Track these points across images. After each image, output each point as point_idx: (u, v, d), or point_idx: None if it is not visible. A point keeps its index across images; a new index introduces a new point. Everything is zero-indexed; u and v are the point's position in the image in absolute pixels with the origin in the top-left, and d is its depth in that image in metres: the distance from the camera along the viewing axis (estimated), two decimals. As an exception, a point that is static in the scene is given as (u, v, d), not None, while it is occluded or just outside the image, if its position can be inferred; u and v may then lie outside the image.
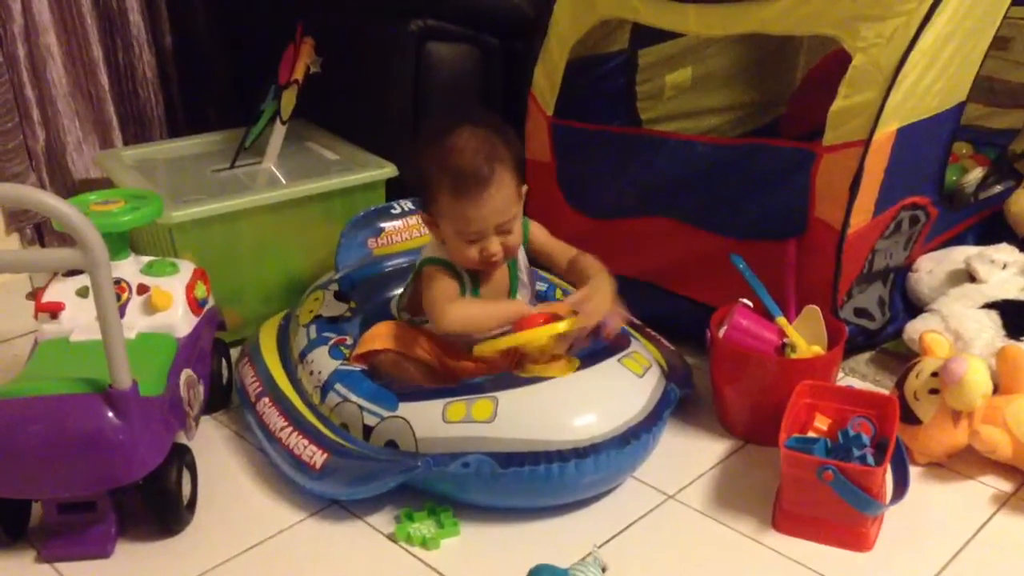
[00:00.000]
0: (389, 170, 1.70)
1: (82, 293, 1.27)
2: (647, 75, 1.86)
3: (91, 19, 1.98)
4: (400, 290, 1.45)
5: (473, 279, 1.30)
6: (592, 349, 1.27)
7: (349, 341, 1.37)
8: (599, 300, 1.24)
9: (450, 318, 1.24)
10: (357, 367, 1.30)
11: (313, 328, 1.40)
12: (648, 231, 1.57)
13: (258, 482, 1.28)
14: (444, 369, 1.32)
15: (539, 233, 1.37)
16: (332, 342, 1.36)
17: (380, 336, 1.32)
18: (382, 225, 1.60)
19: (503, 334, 1.24)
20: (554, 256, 1.37)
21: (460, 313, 1.25)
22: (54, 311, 1.26)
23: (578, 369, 1.22)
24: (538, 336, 1.19)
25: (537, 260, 1.39)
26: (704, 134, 1.96)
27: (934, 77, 1.35)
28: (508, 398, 1.16)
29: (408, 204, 1.63)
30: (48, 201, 1.00)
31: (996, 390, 1.26)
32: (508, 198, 1.23)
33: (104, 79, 2.02)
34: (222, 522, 1.20)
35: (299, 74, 1.70)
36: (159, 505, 1.16)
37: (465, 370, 1.32)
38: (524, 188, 1.28)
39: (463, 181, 1.20)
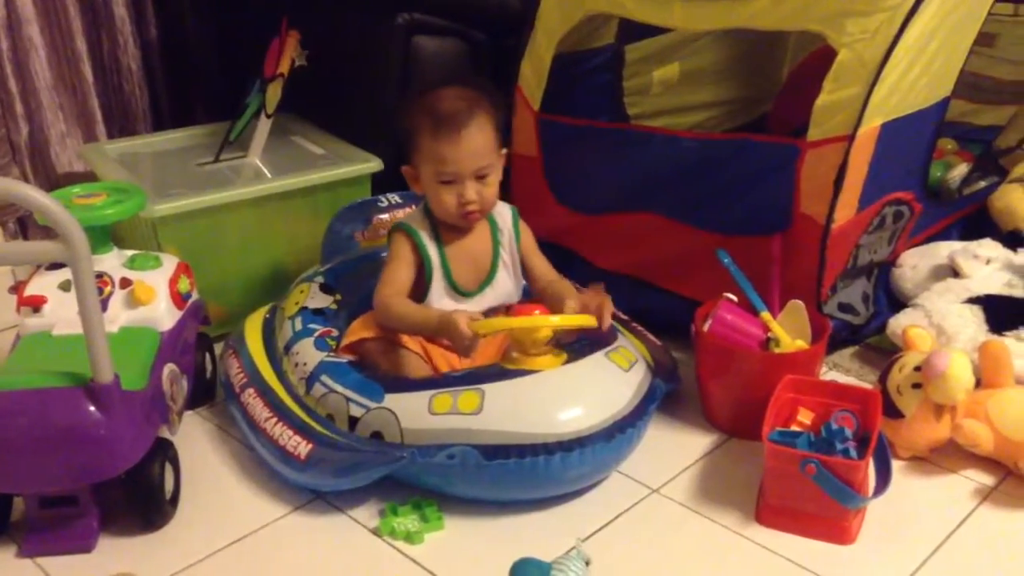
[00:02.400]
0: (375, 164, 1.70)
1: (65, 287, 1.27)
2: (634, 70, 1.86)
3: (75, 11, 1.97)
4: None
5: (439, 245, 1.32)
6: (579, 343, 1.27)
7: (335, 333, 1.36)
8: (607, 305, 1.25)
9: (376, 308, 1.30)
10: (343, 358, 1.30)
11: (299, 319, 1.40)
12: (634, 226, 1.57)
13: (241, 477, 1.27)
14: (430, 357, 1.32)
15: (527, 236, 1.39)
16: (318, 333, 1.36)
17: (368, 325, 1.33)
18: (369, 218, 1.60)
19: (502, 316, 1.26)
20: (535, 270, 1.38)
21: (380, 311, 1.29)
22: (36, 305, 1.25)
23: (565, 363, 1.21)
24: (535, 323, 1.19)
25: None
26: (691, 129, 1.96)
27: (918, 73, 1.35)
28: (495, 390, 1.16)
29: (396, 197, 1.63)
30: (30, 194, 0.99)
31: (978, 384, 1.27)
32: (486, 144, 1.27)
33: (88, 72, 2.01)
34: (205, 517, 1.19)
35: (284, 68, 1.69)
36: (141, 499, 1.15)
37: (450, 358, 1.32)
38: (504, 151, 1.31)
39: (442, 120, 1.25)
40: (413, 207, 1.60)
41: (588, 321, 1.22)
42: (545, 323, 1.19)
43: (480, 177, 1.27)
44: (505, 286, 1.36)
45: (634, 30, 1.71)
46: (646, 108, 1.91)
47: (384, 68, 1.78)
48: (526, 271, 1.39)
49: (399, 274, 1.31)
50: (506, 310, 1.32)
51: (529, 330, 1.19)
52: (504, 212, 1.37)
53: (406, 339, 1.31)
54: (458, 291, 1.33)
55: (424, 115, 1.26)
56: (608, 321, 1.25)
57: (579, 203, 1.65)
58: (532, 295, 1.39)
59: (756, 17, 1.39)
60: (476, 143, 1.26)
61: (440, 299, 1.31)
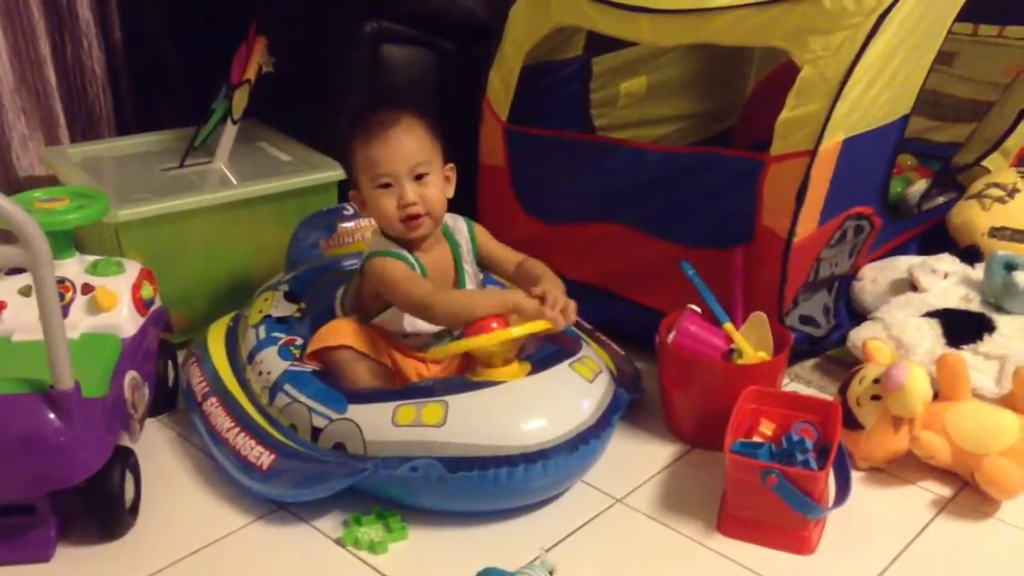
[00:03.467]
0: (341, 172, 1.69)
1: (25, 292, 1.25)
2: (601, 82, 1.87)
3: (39, 13, 1.95)
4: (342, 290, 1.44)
5: (415, 256, 1.30)
6: (543, 353, 1.27)
7: (299, 341, 1.36)
8: (560, 299, 1.24)
9: (440, 307, 1.23)
10: (308, 367, 1.29)
11: (263, 328, 1.39)
12: (600, 237, 1.58)
13: (203, 485, 1.26)
14: (398, 368, 1.32)
15: (483, 235, 1.39)
16: (282, 342, 1.35)
17: (337, 332, 1.32)
18: (334, 226, 1.59)
19: (457, 337, 1.24)
20: (501, 261, 1.39)
21: (448, 302, 1.24)
22: (-5, 310, 1.24)
23: (529, 373, 1.22)
24: (491, 341, 1.19)
25: (484, 265, 1.40)
26: (657, 142, 1.98)
27: (879, 90, 1.37)
28: (458, 402, 1.16)
29: (360, 206, 1.62)
30: (-10, 198, 0.98)
31: (936, 397, 1.29)
32: (418, 143, 1.27)
33: (51, 75, 1.98)
34: (165, 526, 1.18)
35: (251, 73, 1.69)
36: (101, 508, 1.14)
37: (419, 367, 1.32)
38: (450, 165, 1.31)
39: (372, 125, 1.26)
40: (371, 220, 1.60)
41: (543, 326, 1.21)
42: (500, 338, 1.18)
43: (418, 178, 1.26)
44: None
45: (602, 43, 1.73)
46: (613, 120, 1.93)
47: (352, 76, 1.78)
48: (492, 265, 1.39)
49: (415, 277, 1.27)
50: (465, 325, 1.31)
51: (481, 347, 1.19)
52: (459, 225, 1.37)
53: (373, 350, 1.30)
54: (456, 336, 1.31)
55: (355, 129, 1.28)
56: (564, 322, 1.22)
57: (546, 213, 1.66)
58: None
59: (721, 33, 1.41)
60: (407, 140, 1.26)
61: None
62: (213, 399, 1.32)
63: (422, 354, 1.33)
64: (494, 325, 1.20)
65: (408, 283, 1.26)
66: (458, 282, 1.35)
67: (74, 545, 1.14)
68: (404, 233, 1.29)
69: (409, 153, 1.26)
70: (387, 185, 1.26)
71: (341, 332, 1.31)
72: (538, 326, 1.20)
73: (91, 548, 1.14)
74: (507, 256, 1.39)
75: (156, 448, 1.33)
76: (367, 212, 1.32)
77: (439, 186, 1.29)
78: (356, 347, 1.29)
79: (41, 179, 1.94)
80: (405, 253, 1.29)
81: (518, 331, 1.19)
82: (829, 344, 1.57)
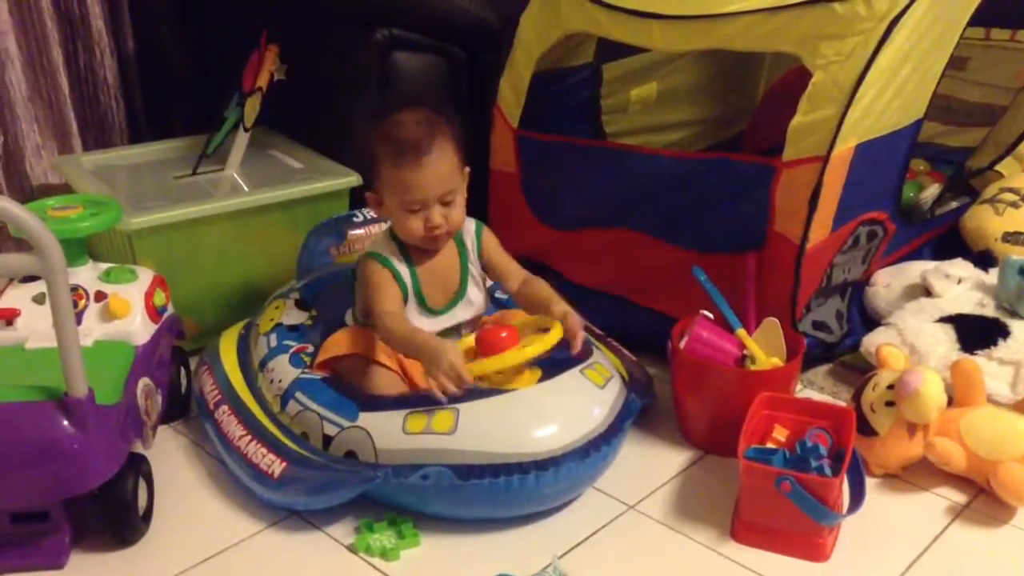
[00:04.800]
0: (353, 179, 1.70)
1: (38, 300, 1.25)
2: (612, 89, 1.87)
3: (52, 22, 1.96)
4: None
5: (410, 266, 1.31)
6: (554, 359, 1.27)
7: (310, 349, 1.36)
8: (576, 320, 1.25)
9: (380, 326, 1.26)
10: (318, 375, 1.29)
11: (274, 336, 1.39)
12: (611, 243, 1.58)
13: (215, 492, 1.26)
14: (406, 372, 1.32)
15: (490, 241, 1.37)
16: (293, 350, 1.35)
17: (342, 341, 1.32)
18: (345, 233, 1.59)
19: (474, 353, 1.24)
20: (504, 273, 1.37)
21: (388, 324, 1.24)
22: (9, 318, 1.24)
23: (540, 380, 1.21)
24: (504, 364, 1.19)
25: (487, 271, 1.38)
26: (668, 148, 1.98)
27: (892, 95, 1.37)
28: (469, 410, 1.16)
29: (370, 212, 1.63)
30: (5, 206, 0.98)
31: (950, 403, 1.28)
32: (449, 169, 1.26)
33: (64, 83, 1.99)
34: (178, 533, 1.18)
35: (263, 81, 1.70)
36: (114, 515, 1.14)
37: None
38: (467, 169, 1.31)
39: (403, 149, 1.24)
40: (381, 225, 1.60)
41: (556, 340, 1.21)
42: (522, 357, 1.19)
43: (446, 203, 1.26)
44: (476, 300, 1.36)
45: (612, 49, 1.73)
46: (624, 126, 1.92)
47: (363, 83, 1.78)
48: (495, 274, 1.38)
49: (392, 297, 1.28)
50: (477, 325, 1.32)
51: (500, 368, 1.19)
52: (469, 227, 1.36)
53: (382, 357, 1.30)
54: (428, 310, 1.32)
55: (385, 143, 1.25)
56: (578, 345, 1.24)
57: (556, 219, 1.66)
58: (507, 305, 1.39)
59: (733, 38, 1.41)
60: (439, 169, 1.24)
61: (412, 319, 1.30)
62: (225, 407, 1.32)
63: None
64: (503, 335, 1.20)
65: (377, 291, 1.28)
66: (461, 284, 1.35)
67: (88, 552, 1.14)
68: (424, 244, 1.29)
69: (440, 180, 1.25)
70: (415, 209, 1.26)
71: (343, 342, 1.32)
72: (552, 341, 1.21)
73: (105, 555, 1.14)
74: (511, 269, 1.37)
75: (169, 455, 1.34)
76: (383, 213, 1.31)
77: (463, 204, 1.30)
78: (361, 354, 1.29)
79: (54, 187, 1.95)
80: (395, 263, 1.30)
81: (532, 350, 1.19)
82: (842, 350, 1.56)
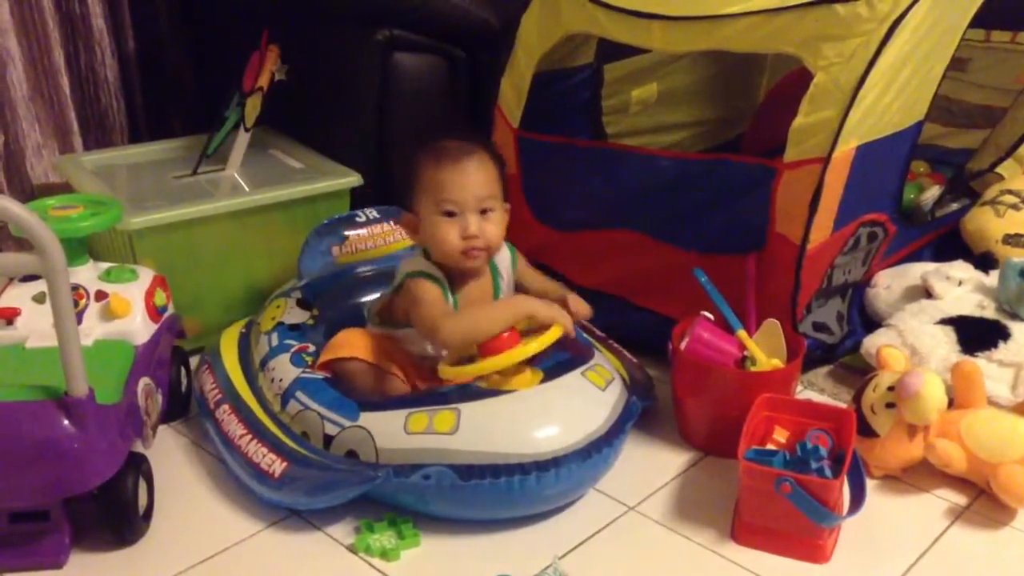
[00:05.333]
0: (354, 179, 1.70)
1: (39, 299, 1.25)
2: (613, 89, 1.87)
3: (53, 22, 1.96)
4: (371, 296, 1.44)
5: (453, 294, 1.29)
6: (555, 361, 1.27)
7: (311, 349, 1.36)
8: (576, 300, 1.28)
9: (447, 331, 1.21)
10: (319, 375, 1.29)
11: (275, 335, 1.39)
12: (612, 243, 1.58)
13: (215, 492, 1.26)
14: (410, 381, 1.31)
15: (524, 265, 1.39)
16: (294, 350, 1.35)
17: (350, 344, 1.32)
18: (346, 233, 1.59)
19: (470, 358, 1.23)
20: (542, 292, 1.36)
21: (457, 326, 1.22)
22: (9, 317, 1.24)
23: (541, 381, 1.22)
24: (506, 362, 1.19)
25: (520, 292, 1.38)
26: (668, 149, 1.98)
27: (893, 96, 1.37)
28: (471, 410, 1.16)
29: (373, 212, 1.63)
30: (6, 205, 0.98)
31: (951, 404, 1.28)
32: (488, 179, 1.26)
33: (65, 83, 1.99)
34: (178, 532, 1.18)
35: (264, 81, 1.69)
36: (114, 515, 1.14)
37: (432, 385, 1.31)
38: (507, 205, 1.30)
39: (446, 151, 1.25)
40: (391, 223, 1.60)
41: (556, 336, 1.21)
42: (515, 359, 1.19)
43: (483, 212, 1.25)
44: None
45: (613, 50, 1.73)
46: (624, 127, 1.93)
47: (363, 84, 1.78)
48: (534, 294, 1.36)
49: (437, 298, 1.25)
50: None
51: (498, 368, 1.19)
52: (503, 253, 1.36)
53: (390, 364, 1.30)
54: (469, 358, 1.28)
55: (426, 153, 1.26)
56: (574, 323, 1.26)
57: (557, 220, 1.66)
58: None
59: (734, 39, 1.41)
60: (479, 174, 1.25)
61: None
62: (225, 406, 1.32)
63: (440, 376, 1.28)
64: (504, 335, 1.20)
65: (430, 306, 1.24)
66: None
67: (87, 552, 1.14)
68: (460, 263, 1.27)
69: (479, 185, 1.25)
70: (451, 213, 1.25)
71: (350, 344, 1.31)
72: (552, 338, 1.21)
73: (104, 555, 1.14)
74: (549, 287, 1.37)
75: (169, 455, 1.34)
76: (418, 239, 1.29)
77: (500, 224, 1.28)
78: (367, 359, 1.29)
79: (55, 187, 1.95)
80: (441, 277, 1.28)
81: (534, 347, 1.19)
82: (843, 351, 1.56)
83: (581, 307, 1.33)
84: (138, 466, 1.17)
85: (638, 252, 1.55)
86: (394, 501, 1.19)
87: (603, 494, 1.26)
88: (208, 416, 1.34)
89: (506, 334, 1.21)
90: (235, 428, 1.27)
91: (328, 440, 1.20)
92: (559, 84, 1.70)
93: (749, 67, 2.19)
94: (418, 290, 1.26)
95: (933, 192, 1.83)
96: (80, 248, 1.31)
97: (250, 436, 1.25)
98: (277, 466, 1.19)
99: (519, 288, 1.38)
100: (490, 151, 1.29)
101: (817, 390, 1.51)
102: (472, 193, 1.24)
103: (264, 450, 1.22)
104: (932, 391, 1.23)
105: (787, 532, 1.13)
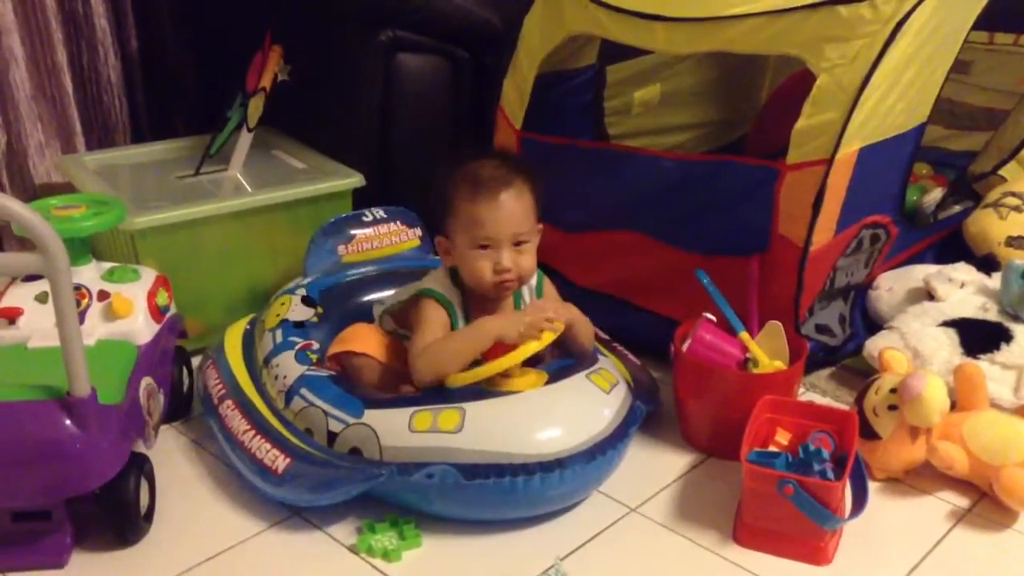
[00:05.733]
0: (356, 179, 1.70)
1: (41, 299, 1.25)
2: (615, 91, 1.87)
3: (56, 22, 1.96)
4: (376, 295, 1.44)
5: (467, 318, 1.28)
6: (560, 364, 1.27)
7: (315, 346, 1.36)
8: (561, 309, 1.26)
9: (418, 370, 1.22)
10: (324, 372, 1.29)
11: (279, 332, 1.39)
12: (615, 245, 1.58)
13: (217, 492, 1.26)
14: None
15: (550, 288, 1.36)
16: (298, 346, 1.35)
17: (362, 339, 1.32)
18: (352, 232, 1.60)
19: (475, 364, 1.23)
20: None
21: (426, 364, 1.22)
22: (12, 316, 1.24)
23: (546, 383, 1.22)
24: (511, 362, 1.19)
25: None
26: (671, 150, 1.98)
27: (896, 98, 1.37)
28: (476, 409, 1.16)
29: (380, 212, 1.63)
30: (9, 205, 0.98)
31: (953, 407, 1.28)
32: (525, 211, 1.25)
33: (68, 83, 1.99)
34: (180, 533, 1.18)
35: (267, 82, 1.69)
36: (116, 515, 1.14)
37: None
38: (540, 226, 1.30)
39: (482, 183, 1.23)
40: (398, 223, 1.60)
41: (552, 336, 1.21)
42: (518, 358, 1.19)
43: (517, 244, 1.24)
44: None
45: (616, 51, 1.73)
46: (627, 128, 1.92)
47: (366, 84, 1.79)
48: None
49: (436, 327, 1.25)
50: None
51: (502, 369, 1.19)
52: (531, 279, 1.34)
53: (394, 360, 1.30)
54: (476, 361, 1.26)
55: (462, 180, 1.24)
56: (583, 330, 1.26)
57: (560, 221, 1.65)
58: None
59: (737, 41, 1.41)
60: (515, 208, 1.23)
61: None
62: (229, 402, 1.32)
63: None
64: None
65: (422, 337, 1.24)
66: None
67: (89, 552, 1.14)
68: (491, 292, 1.26)
69: (515, 218, 1.23)
70: (485, 247, 1.24)
71: (365, 339, 1.32)
72: (549, 337, 1.21)
73: (106, 555, 1.14)
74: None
75: (171, 455, 1.34)
76: (451, 262, 1.29)
77: (534, 253, 1.27)
78: (379, 358, 1.29)
79: (57, 187, 1.95)
80: (456, 310, 1.28)
81: (535, 345, 1.19)
82: (845, 353, 1.56)
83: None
84: (140, 466, 1.17)
85: (640, 253, 1.55)
86: (397, 500, 1.19)
87: (605, 495, 1.26)
88: (212, 412, 1.34)
89: None
90: (239, 424, 1.27)
91: (332, 437, 1.20)
92: (562, 85, 1.70)
93: (752, 69, 2.18)
94: (422, 313, 1.26)
95: (936, 194, 1.83)
96: (83, 248, 1.31)
97: (253, 432, 1.25)
98: (280, 462, 1.19)
99: None
100: (527, 177, 1.26)
101: (819, 392, 1.51)
102: (508, 229, 1.23)
103: (267, 446, 1.22)
104: (934, 393, 1.22)
105: (789, 534, 1.13)
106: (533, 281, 1.34)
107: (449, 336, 1.25)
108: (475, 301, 1.29)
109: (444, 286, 1.29)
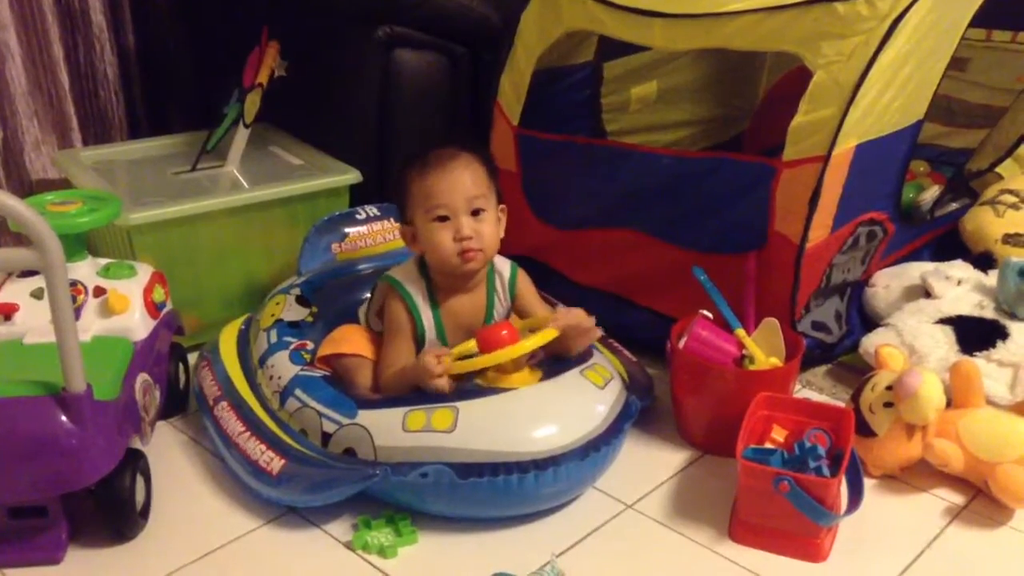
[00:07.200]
0: (353, 176, 1.70)
1: (37, 295, 1.25)
2: (613, 87, 1.87)
3: (52, 17, 1.96)
4: (367, 295, 1.44)
5: (434, 307, 1.29)
6: (554, 361, 1.27)
7: (310, 346, 1.36)
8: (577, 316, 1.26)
9: (383, 388, 1.27)
10: (318, 372, 1.29)
11: (274, 332, 1.39)
12: (612, 242, 1.58)
13: (213, 488, 1.26)
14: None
15: (525, 286, 1.36)
16: (293, 347, 1.35)
17: (351, 340, 1.32)
18: (346, 230, 1.60)
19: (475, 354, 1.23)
20: (539, 319, 1.33)
21: (386, 389, 1.27)
22: (7, 312, 1.24)
23: (540, 380, 1.22)
24: (506, 357, 1.19)
25: (519, 315, 1.37)
26: (668, 147, 1.98)
27: (893, 95, 1.37)
28: (469, 408, 1.16)
29: (373, 210, 1.63)
30: (4, 200, 0.98)
31: (949, 404, 1.28)
32: (476, 179, 1.25)
33: (64, 78, 1.99)
34: (176, 529, 1.18)
35: (264, 78, 1.69)
36: (112, 511, 1.14)
37: None
38: (502, 206, 1.30)
39: (430, 159, 1.25)
40: (391, 220, 1.60)
41: (551, 334, 1.21)
42: (514, 353, 1.19)
43: (475, 213, 1.25)
44: None
45: (613, 48, 1.73)
46: (624, 125, 1.92)
47: (364, 80, 1.78)
48: (526, 317, 1.35)
49: (400, 354, 1.27)
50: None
51: (500, 361, 1.19)
52: (503, 268, 1.35)
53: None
54: (472, 353, 1.26)
55: (413, 163, 1.26)
56: (584, 341, 1.26)
57: (557, 218, 1.66)
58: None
59: (734, 37, 1.41)
60: (464, 174, 1.24)
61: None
62: (224, 403, 1.32)
63: None
64: (504, 332, 1.20)
65: (391, 340, 1.28)
66: (485, 319, 1.33)
67: (85, 548, 1.14)
68: (458, 267, 1.26)
69: (466, 186, 1.24)
70: (443, 218, 1.24)
71: (354, 340, 1.32)
72: (547, 336, 1.21)
73: (102, 551, 1.14)
74: (536, 313, 1.35)
75: (167, 451, 1.33)
76: (417, 248, 1.29)
77: (494, 224, 1.28)
78: (368, 356, 1.29)
79: (54, 182, 1.94)
80: (419, 302, 1.28)
81: (531, 343, 1.19)
82: (841, 350, 1.56)
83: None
84: (136, 462, 1.16)
85: (637, 250, 1.55)
86: (392, 499, 1.19)
87: (601, 492, 1.26)
88: (207, 412, 1.34)
89: (505, 331, 1.21)
90: (234, 425, 1.27)
91: (326, 438, 1.20)
92: (559, 82, 1.70)
93: (749, 65, 2.18)
94: (389, 307, 1.29)
95: (932, 191, 1.83)
96: (78, 244, 1.31)
97: (248, 433, 1.25)
98: (275, 463, 1.19)
99: (516, 308, 1.36)
100: (476, 153, 1.28)
101: (816, 389, 1.51)
102: (461, 194, 1.24)
103: (262, 447, 1.22)
104: (930, 391, 1.23)
105: (785, 531, 1.13)
106: (507, 275, 1.34)
107: (398, 372, 1.26)
108: (443, 288, 1.30)
109: (408, 274, 1.30)
